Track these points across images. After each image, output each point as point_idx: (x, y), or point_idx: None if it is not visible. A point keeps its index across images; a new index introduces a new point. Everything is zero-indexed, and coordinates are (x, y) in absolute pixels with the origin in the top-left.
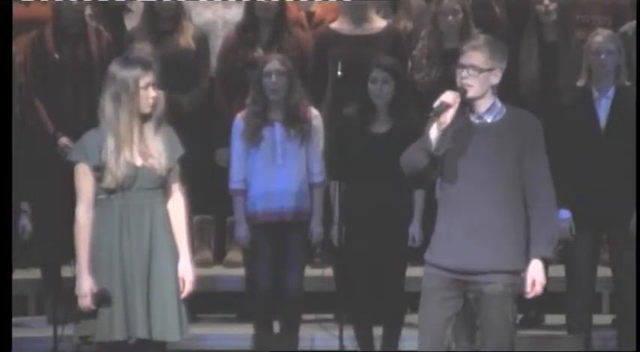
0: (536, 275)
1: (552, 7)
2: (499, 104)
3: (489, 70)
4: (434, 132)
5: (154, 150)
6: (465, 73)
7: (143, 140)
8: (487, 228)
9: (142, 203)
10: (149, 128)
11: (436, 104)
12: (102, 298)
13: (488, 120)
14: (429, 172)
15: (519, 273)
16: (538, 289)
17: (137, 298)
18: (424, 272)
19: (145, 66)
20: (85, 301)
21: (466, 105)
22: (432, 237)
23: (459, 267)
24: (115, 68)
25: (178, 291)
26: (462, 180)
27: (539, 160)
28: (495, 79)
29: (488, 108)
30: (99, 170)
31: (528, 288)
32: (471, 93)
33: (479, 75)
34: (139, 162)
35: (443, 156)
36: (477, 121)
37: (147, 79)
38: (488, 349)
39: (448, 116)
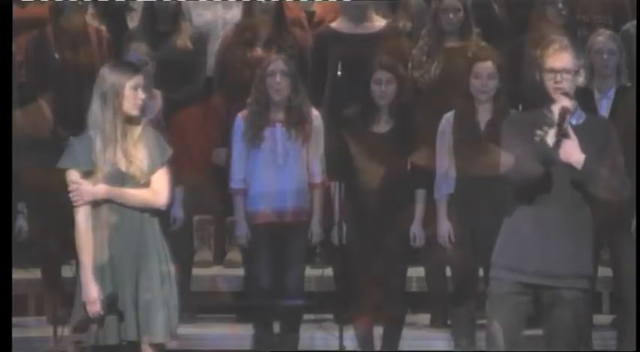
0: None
1: (565, 10)
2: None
3: (577, 70)
4: (551, 140)
5: (136, 155)
6: (559, 77)
7: (128, 143)
8: (565, 230)
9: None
10: (135, 132)
11: (556, 112)
12: (110, 303)
13: (574, 122)
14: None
15: (592, 279)
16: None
17: (127, 301)
18: (492, 277)
19: (135, 68)
20: (94, 307)
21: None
22: (499, 238)
23: (538, 271)
24: (104, 71)
25: (164, 292)
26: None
27: (618, 159)
28: (582, 79)
29: (573, 111)
30: (90, 174)
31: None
32: (570, 97)
33: (571, 77)
34: (123, 165)
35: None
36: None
37: (135, 80)
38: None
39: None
